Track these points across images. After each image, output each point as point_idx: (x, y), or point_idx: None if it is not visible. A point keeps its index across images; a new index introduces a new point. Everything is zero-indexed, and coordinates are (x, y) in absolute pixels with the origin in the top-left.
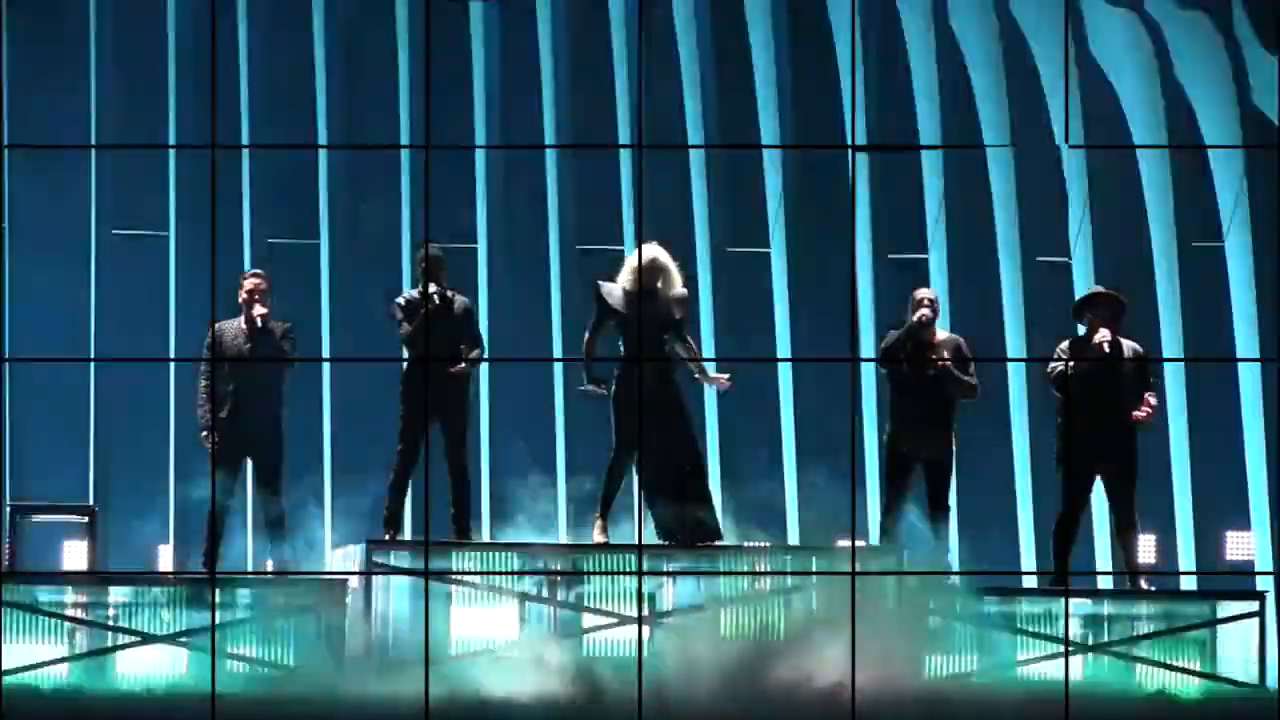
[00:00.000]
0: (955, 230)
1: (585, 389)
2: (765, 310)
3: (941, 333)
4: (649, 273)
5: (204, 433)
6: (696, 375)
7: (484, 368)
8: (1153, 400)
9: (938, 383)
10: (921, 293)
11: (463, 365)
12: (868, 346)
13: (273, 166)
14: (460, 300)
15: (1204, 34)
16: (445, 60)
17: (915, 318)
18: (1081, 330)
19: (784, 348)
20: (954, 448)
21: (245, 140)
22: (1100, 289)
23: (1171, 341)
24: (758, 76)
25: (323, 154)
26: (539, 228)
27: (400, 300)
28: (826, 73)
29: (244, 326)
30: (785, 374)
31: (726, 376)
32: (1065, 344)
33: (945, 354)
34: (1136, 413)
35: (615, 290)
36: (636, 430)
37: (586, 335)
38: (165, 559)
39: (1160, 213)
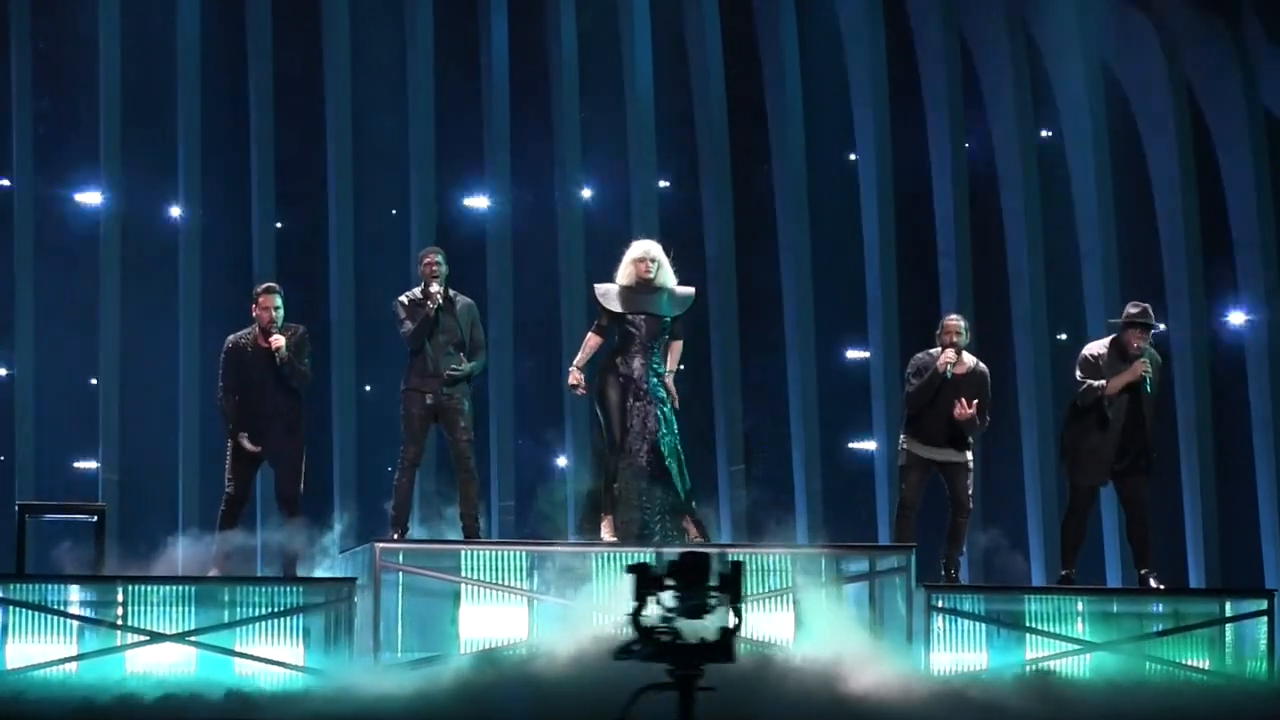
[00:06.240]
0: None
1: (571, 385)
2: (774, 312)
3: (968, 360)
4: (643, 263)
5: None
6: (667, 380)
7: (493, 367)
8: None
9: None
10: (951, 322)
11: (455, 372)
12: (874, 341)
13: (281, 163)
14: (463, 300)
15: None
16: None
17: (940, 365)
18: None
19: (791, 347)
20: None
21: (253, 138)
22: (1150, 320)
23: (1180, 340)
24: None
25: (331, 151)
26: (550, 226)
27: (403, 299)
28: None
29: (260, 343)
30: (793, 378)
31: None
32: (1097, 354)
33: (970, 389)
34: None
35: (611, 290)
36: (623, 428)
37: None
38: (174, 559)
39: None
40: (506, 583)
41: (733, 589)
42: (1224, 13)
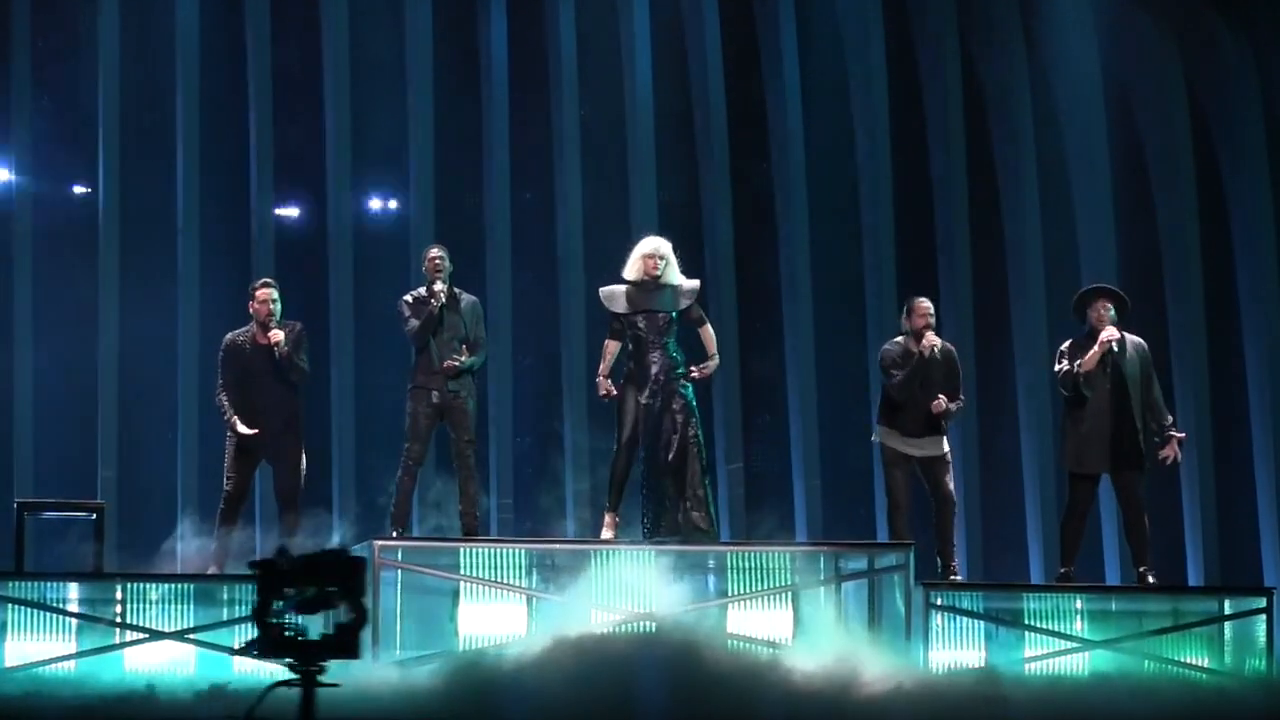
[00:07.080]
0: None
1: (601, 395)
2: (774, 312)
3: (934, 340)
4: (651, 259)
5: (229, 434)
6: (709, 367)
7: (492, 364)
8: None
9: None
10: (924, 305)
11: (456, 364)
12: (873, 339)
13: (281, 160)
14: (467, 297)
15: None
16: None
17: (924, 346)
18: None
19: (791, 347)
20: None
21: (253, 134)
22: (1102, 284)
23: (1179, 338)
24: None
25: (330, 150)
26: (549, 224)
27: (407, 298)
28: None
29: (259, 341)
30: (793, 378)
31: (699, 372)
32: (1068, 344)
33: (943, 369)
34: (1164, 451)
35: (615, 291)
36: (635, 426)
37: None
38: (174, 557)
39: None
40: (506, 580)
41: (354, 585)
42: (1226, 12)
